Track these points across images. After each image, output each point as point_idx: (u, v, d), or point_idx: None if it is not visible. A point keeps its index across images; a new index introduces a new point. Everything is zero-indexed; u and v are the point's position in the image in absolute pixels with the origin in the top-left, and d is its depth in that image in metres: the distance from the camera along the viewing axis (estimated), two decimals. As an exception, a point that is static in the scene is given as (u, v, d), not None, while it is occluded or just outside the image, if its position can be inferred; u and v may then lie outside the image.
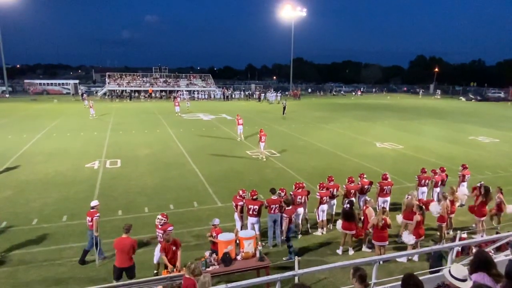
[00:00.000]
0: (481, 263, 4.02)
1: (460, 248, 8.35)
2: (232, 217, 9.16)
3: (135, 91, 54.91)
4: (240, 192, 8.99)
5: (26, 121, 28.25)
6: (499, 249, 7.28)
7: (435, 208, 9.32)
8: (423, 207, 8.67)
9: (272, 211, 8.76)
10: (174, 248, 7.06)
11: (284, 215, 8.24)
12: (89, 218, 7.97)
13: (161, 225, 7.47)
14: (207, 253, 7.26)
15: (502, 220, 9.93)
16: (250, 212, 8.73)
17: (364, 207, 8.98)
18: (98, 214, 7.96)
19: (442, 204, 9.13)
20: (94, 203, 8.27)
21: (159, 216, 7.60)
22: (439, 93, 68.57)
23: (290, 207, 8.47)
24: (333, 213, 10.19)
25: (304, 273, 4.70)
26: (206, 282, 4.99)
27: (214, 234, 7.62)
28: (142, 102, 47.94)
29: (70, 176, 14.12)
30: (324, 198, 9.62)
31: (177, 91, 54.47)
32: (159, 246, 7.35)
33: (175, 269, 6.97)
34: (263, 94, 54.37)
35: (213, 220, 7.91)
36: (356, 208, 10.64)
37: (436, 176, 11.29)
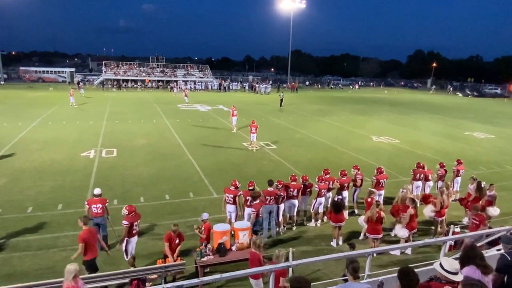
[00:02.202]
0: (470, 256, 4.08)
1: (453, 242, 8.45)
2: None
3: (130, 80, 54.42)
4: (235, 182, 9.00)
5: (21, 108, 28.00)
6: (491, 244, 7.37)
7: (428, 211, 9.40)
8: (416, 200, 8.72)
9: (268, 202, 8.79)
10: (177, 240, 7.09)
11: (252, 209, 8.24)
12: (99, 205, 7.95)
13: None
14: (203, 244, 7.29)
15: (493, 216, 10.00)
16: (248, 203, 8.77)
17: (370, 199, 8.96)
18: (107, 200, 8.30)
19: (438, 199, 9.20)
20: (98, 190, 8.21)
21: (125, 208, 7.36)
22: (451, 89, 66.56)
23: (258, 201, 8.45)
24: (329, 205, 10.23)
25: (298, 264, 4.74)
26: (281, 256, 5.34)
27: (202, 229, 7.57)
28: (139, 92, 47.62)
29: (66, 165, 14.07)
30: (323, 190, 9.68)
31: (175, 81, 54.08)
32: (124, 242, 7.21)
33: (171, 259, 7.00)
34: (258, 85, 54.38)
35: (202, 216, 7.72)
36: (350, 202, 10.75)
37: (426, 170, 11.40)
